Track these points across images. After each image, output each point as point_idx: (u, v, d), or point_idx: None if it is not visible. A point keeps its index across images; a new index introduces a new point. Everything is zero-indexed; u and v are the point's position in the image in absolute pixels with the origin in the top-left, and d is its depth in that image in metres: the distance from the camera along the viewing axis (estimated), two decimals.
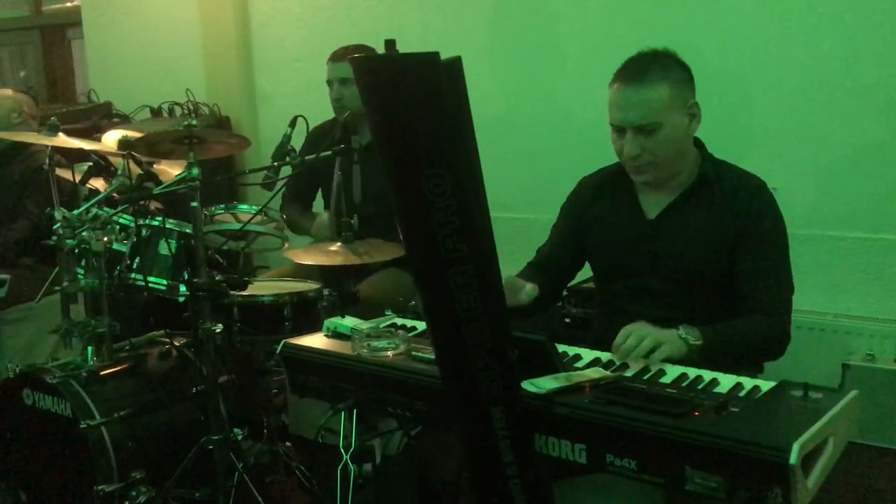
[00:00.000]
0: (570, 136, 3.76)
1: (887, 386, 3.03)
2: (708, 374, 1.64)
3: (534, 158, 3.81)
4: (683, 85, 2.01)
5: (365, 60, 1.20)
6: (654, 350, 1.72)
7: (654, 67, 1.97)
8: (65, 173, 3.04)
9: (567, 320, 3.37)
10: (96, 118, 4.75)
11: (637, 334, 1.74)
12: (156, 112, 4.82)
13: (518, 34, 3.90)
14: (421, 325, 2.00)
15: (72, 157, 3.23)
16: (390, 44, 1.18)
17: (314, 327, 2.57)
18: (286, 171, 2.62)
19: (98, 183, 2.99)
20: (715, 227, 2.04)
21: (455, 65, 1.20)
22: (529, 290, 1.86)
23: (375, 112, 1.24)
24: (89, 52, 5.47)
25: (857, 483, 2.81)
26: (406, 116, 1.21)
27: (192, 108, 4.71)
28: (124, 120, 4.81)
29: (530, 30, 3.88)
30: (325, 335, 1.94)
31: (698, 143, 2.13)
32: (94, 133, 4.36)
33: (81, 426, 2.35)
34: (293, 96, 4.65)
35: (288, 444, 2.98)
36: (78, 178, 2.82)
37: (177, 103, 4.78)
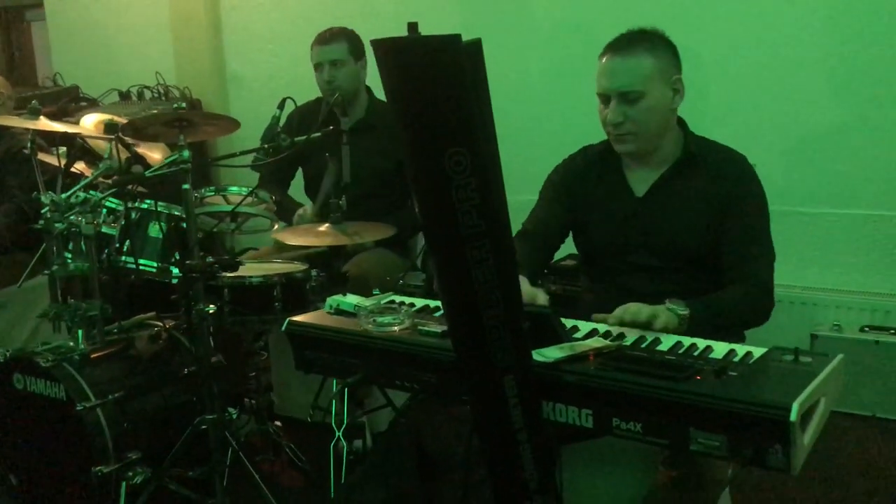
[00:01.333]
0: (542, 119, 3.83)
1: (854, 354, 3.17)
2: (702, 342, 1.71)
3: (507, 141, 3.86)
4: (668, 60, 2.09)
5: (387, 43, 1.24)
6: (650, 322, 1.79)
7: (641, 41, 2.08)
8: (47, 157, 3.01)
9: (547, 297, 3.45)
10: (63, 102, 4.68)
11: (632, 311, 1.81)
12: (124, 95, 4.77)
13: (491, 15, 3.95)
14: (419, 302, 2.05)
15: (49, 140, 3.21)
16: (413, 26, 1.23)
17: (303, 308, 2.62)
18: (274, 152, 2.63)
19: (81, 166, 2.98)
20: (703, 202, 2.12)
21: (475, 47, 1.25)
22: (543, 298, 1.93)
23: (398, 93, 1.28)
24: (53, 34, 5.38)
25: (830, 447, 2.95)
26: (429, 97, 1.26)
27: (162, 91, 4.67)
28: (92, 104, 4.75)
29: (504, 12, 3.93)
30: (328, 312, 1.98)
31: (681, 122, 2.21)
32: (62, 117, 4.30)
33: (78, 408, 2.37)
34: (265, 78, 4.64)
35: (277, 423, 3.02)
36: (63, 162, 2.80)
37: (146, 86, 4.73)
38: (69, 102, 4.73)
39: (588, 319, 1.89)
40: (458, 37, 1.21)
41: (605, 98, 2.10)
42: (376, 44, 1.25)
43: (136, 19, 4.99)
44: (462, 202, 1.32)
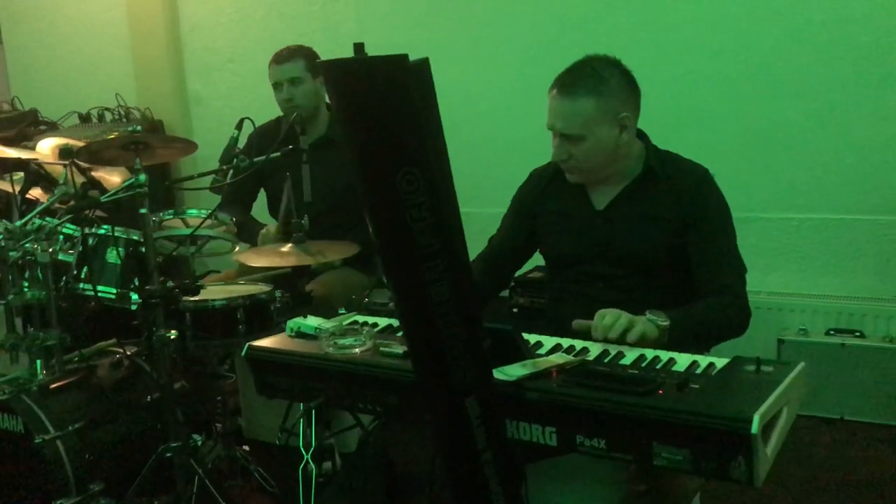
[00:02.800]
0: (510, 132, 3.83)
1: (820, 358, 3.20)
2: (665, 354, 1.71)
3: (475, 154, 3.86)
4: (615, 98, 2.06)
5: (334, 64, 1.23)
6: (627, 330, 1.79)
7: (586, 81, 2.04)
8: (1, 184, 2.95)
9: (515, 310, 3.45)
10: (22, 126, 4.61)
11: (613, 313, 1.81)
12: (84, 118, 4.71)
13: (454, 31, 3.96)
14: (382, 322, 2.03)
15: (3, 166, 3.14)
16: (359, 47, 1.21)
17: (268, 329, 2.58)
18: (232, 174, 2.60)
19: (37, 192, 2.92)
20: (662, 216, 2.12)
21: (423, 66, 1.23)
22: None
23: (346, 114, 1.26)
24: (10, 57, 5.30)
25: (800, 451, 2.96)
26: (377, 117, 1.24)
27: (123, 112, 4.62)
28: (52, 127, 4.68)
29: (466, 27, 3.93)
30: (289, 335, 1.95)
31: (642, 135, 2.21)
32: (20, 141, 4.24)
33: (36, 440, 2.31)
34: (227, 98, 4.61)
35: (245, 447, 2.97)
36: (17, 189, 2.74)
37: (107, 108, 4.67)
38: (28, 126, 4.66)
39: (552, 329, 1.89)
40: (404, 56, 1.20)
41: (552, 132, 2.12)
42: (324, 65, 1.23)
43: (94, 40, 4.94)
44: (416, 222, 1.31)
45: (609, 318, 1.80)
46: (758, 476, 1.34)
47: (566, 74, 2.08)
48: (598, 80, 2.04)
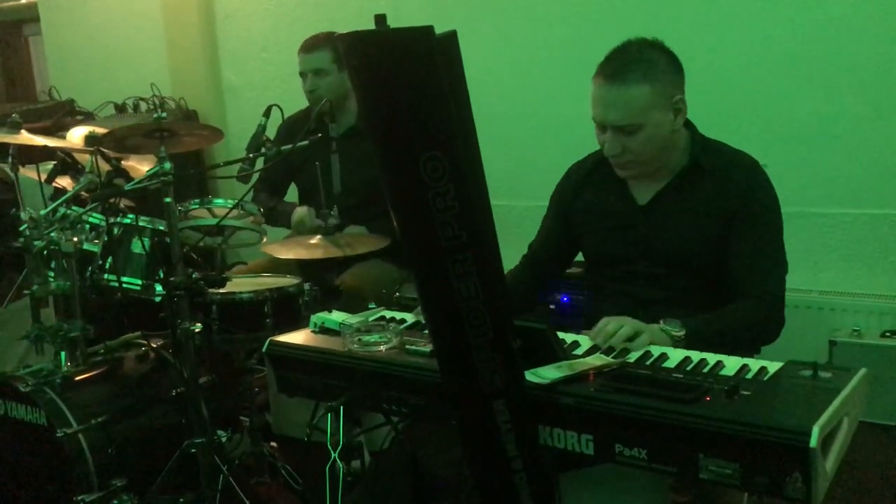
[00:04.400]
0: (548, 123, 3.71)
1: (874, 361, 3.03)
2: (712, 357, 1.59)
3: (511, 145, 3.76)
4: (667, 81, 1.93)
5: (354, 37, 1.13)
6: (632, 338, 1.68)
7: (636, 65, 1.90)
8: (29, 172, 2.92)
9: (552, 307, 3.33)
10: (59, 116, 4.62)
11: (618, 320, 1.71)
12: (120, 108, 4.70)
13: (494, 17, 3.84)
14: (410, 318, 1.94)
15: (36, 155, 3.11)
16: (381, 19, 1.11)
17: (296, 323, 2.50)
18: (261, 162, 2.53)
19: (65, 181, 2.88)
20: (708, 210, 1.99)
21: (450, 39, 1.13)
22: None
23: (366, 93, 1.16)
24: (48, 48, 5.33)
25: (850, 460, 2.79)
26: (400, 96, 1.14)
27: (157, 102, 4.59)
28: (88, 117, 4.68)
29: (507, 12, 3.81)
30: (313, 331, 1.87)
31: (689, 124, 2.08)
32: (57, 131, 4.22)
33: (58, 434, 2.26)
34: (261, 87, 4.56)
35: (272, 443, 2.91)
36: (43, 177, 2.70)
37: (142, 98, 4.66)
38: (64, 116, 4.66)
39: (590, 328, 1.79)
40: (430, 28, 1.10)
41: (601, 126, 1.97)
42: (341, 38, 1.13)
43: (130, 30, 4.92)
44: (441, 211, 1.21)
45: (613, 324, 1.70)
46: (816, 494, 1.23)
47: (611, 62, 1.93)
48: (648, 64, 1.90)
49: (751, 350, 2.06)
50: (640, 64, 1.90)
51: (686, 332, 1.76)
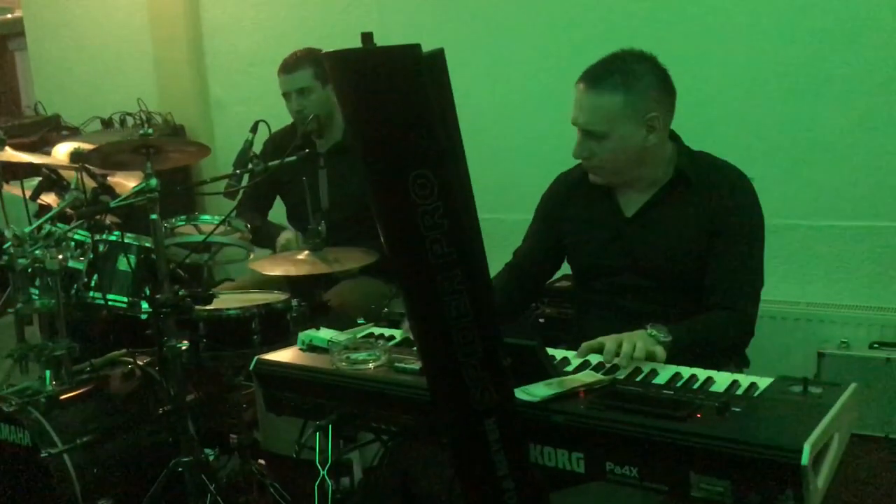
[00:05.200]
0: (535, 137, 3.71)
1: (862, 373, 3.04)
2: (702, 373, 1.59)
3: (499, 158, 3.76)
4: (646, 96, 1.93)
5: (340, 56, 1.12)
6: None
7: (617, 75, 1.92)
8: (13, 188, 2.89)
9: (541, 321, 3.32)
10: (44, 131, 4.59)
11: (629, 340, 1.70)
12: (107, 123, 4.67)
13: (480, 32, 3.85)
14: (400, 334, 1.92)
15: (20, 171, 3.08)
16: (367, 37, 1.10)
17: (284, 339, 2.48)
18: (248, 178, 2.52)
19: (50, 198, 2.85)
20: (694, 223, 2.00)
21: (438, 57, 1.12)
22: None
23: (354, 111, 1.16)
24: (34, 63, 5.29)
25: (842, 471, 2.79)
26: (387, 115, 1.13)
27: (144, 117, 4.56)
28: (74, 132, 4.65)
29: (493, 26, 3.82)
30: (300, 349, 1.85)
31: (675, 137, 2.08)
32: (42, 147, 4.19)
33: (42, 455, 2.23)
34: (249, 102, 4.54)
35: (261, 461, 2.88)
36: (28, 194, 2.67)
37: (128, 113, 4.63)
38: (50, 132, 4.63)
39: (578, 342, 1.78)
40: (417, 46, 1.09)
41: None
42: (327, 56, 1.12)
43: (117, 45, 4.90)
44: (430, 230, 1.20)
45: (626, 345, 1.68)
46: None
47: (595, 67, 1.96)
48: (627, 76, 1.91)
49: (742, 360, 2.07)
50: (622, 74, 1.91)
51: (672, 338, 1.76)
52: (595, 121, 1.92)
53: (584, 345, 1.78)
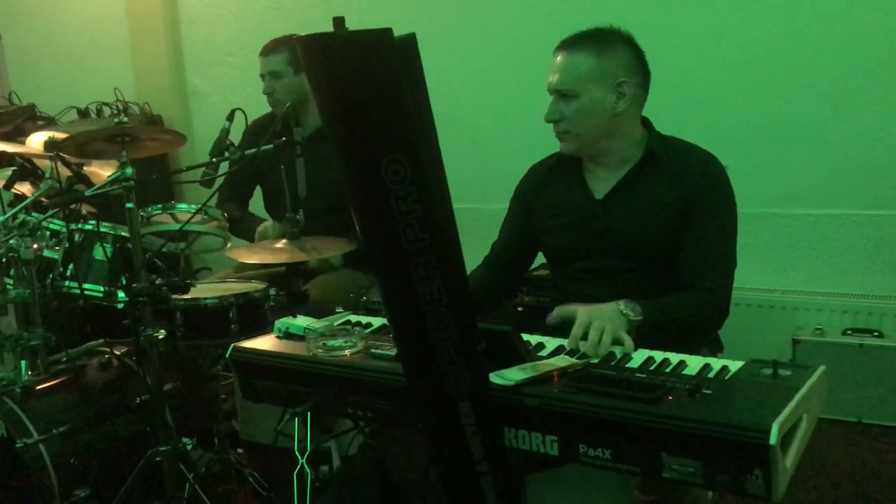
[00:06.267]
0: (512, 126, 3.73)
1: (837, 359, 3.08)
2: (675, 357, 1.60)
3: (477, 148, 3.77)
4: (618, 63, 1.99)
5: (311, 40, 1.12)
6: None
7: (592, 41, 2.00)
8: None
9: (520, 309, 3.34)
10: (19, 121, 4.52)
11: (595, 328, 1.69)
12: (83, 113, 4.63)
13: (459, 22, 3.85)
14: (377, 322, 1.93)
15: None
16: (339, 21, 1.10)
17: (262, 329, 2.48)
18: (225, 167, 2.51)
19: (24, 188, 2.83)
20: (664, 203, 2.01)
21: (409, 41, 1.13)
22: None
23: (325, 95, 1.16)
24: (8, 52, 5.23)
25: (816, 456, 2.84)
26: (359, 99, 1.14)
27: (121, 107, 4.53)
28: (49, 122, 4.59)
29: (471, 17, 3.83)
30: (277, 336, 1.85)
31: (646, 122, 2.11)
32: (17, 136, 4.15)
33: (17, 445, 2.22)
34: (226, 92, 4.52)
35: (239, 450, 2.88)
36: (1, 183, 2.65)
37: (105, 103, 4.59)
38: (25, 121, 4.57)
39: (555, 330, 1.79)
40: (389, 31, 1.10)
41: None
42: (299, 41, 1.12)
43: (93, 34, 4.86)
44: (403, 215, 1.20)
45: (593, 334, 1.68)
46: (777, 491, 1.23)
47: (570, 36, 2.03)
48: (603, 44, 1.99)
49: (716, 344, 2.09)
50: (596, 42, 1.99)
51: (643, 318, 1.78)
52: (566, 80, 1.98)
53: (557, 308, 1.81)
